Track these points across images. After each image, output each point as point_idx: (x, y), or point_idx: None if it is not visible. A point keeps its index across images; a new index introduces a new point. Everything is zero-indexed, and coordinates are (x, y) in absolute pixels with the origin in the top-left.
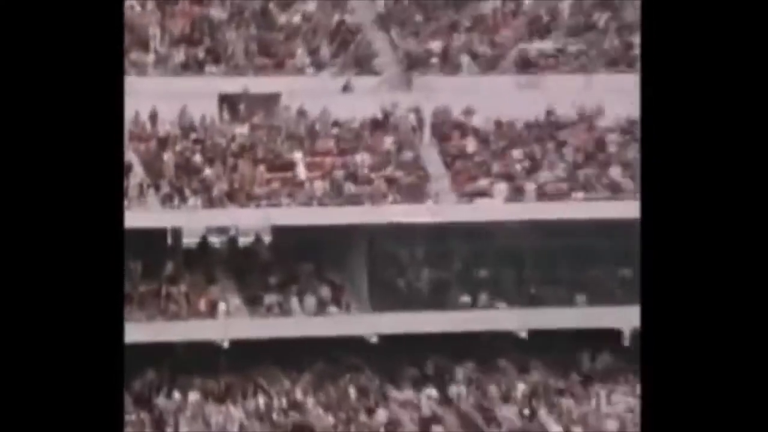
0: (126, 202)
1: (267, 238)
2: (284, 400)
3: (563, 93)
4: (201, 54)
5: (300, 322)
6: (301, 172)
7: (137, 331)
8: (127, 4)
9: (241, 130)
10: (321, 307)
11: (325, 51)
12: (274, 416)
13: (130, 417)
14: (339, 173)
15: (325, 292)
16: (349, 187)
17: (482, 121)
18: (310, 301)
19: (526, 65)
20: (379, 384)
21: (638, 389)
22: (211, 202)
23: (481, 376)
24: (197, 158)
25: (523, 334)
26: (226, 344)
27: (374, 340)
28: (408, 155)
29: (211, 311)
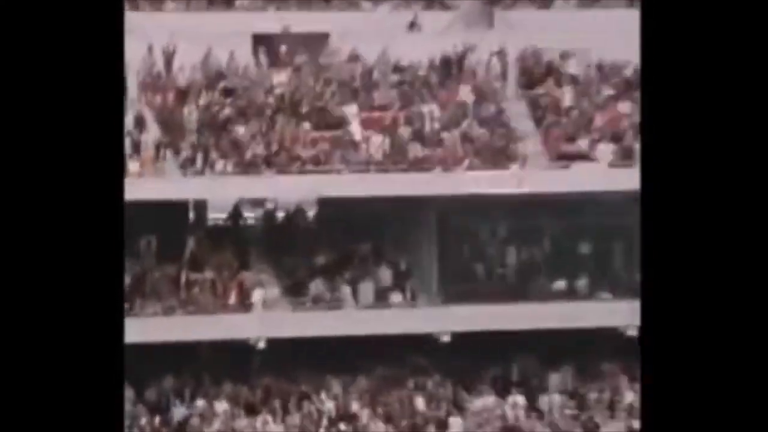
0: (136, 168)
1: (313, 212)
2: (334, 411)
3: None
4: None
5: (353, 316)
6: (356, 130)
7: (152, 328)
8: None
9: (281, 78)
10: (380, 298)
11: None
12: (322, 431)
13: (147, 429)
14: (402, 131)
15: (385, 278)
16: (415, 149)
17: (581, 67)
18: (367, 289)
19: None
20: (452, 391)
21: None
22: (243, 168)
23: (580, 382)
24: (226, 113)
25: (632, 332)
26: (262, 344)
27: (446, 338)
28: (489, 109)
29: (244, 303)
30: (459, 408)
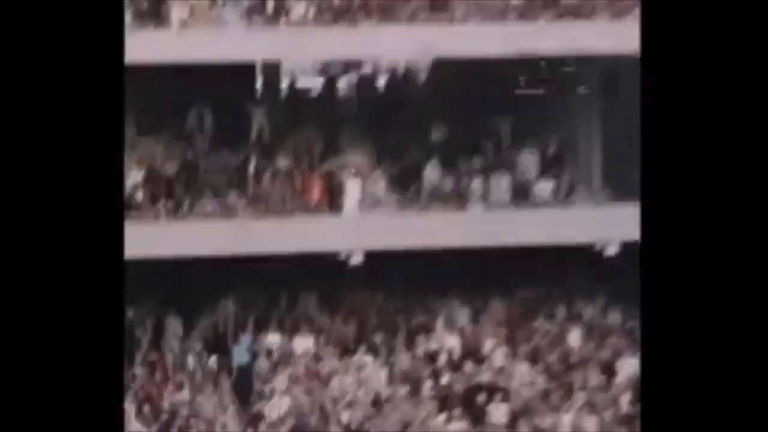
0: (184, 16)
1: (425, 77)
2: (457, 349)
3: None
4: None
5: (484, 219)
6: None
7: (206, 236)
8: None
9: None
10: (520, 194)
11: None
12: (440, 379)
13: (197, 374)
14: None
15: (528, 167)
16: None
17: None
18: (502, 183)
19: None
20: (621, 321)
21: None
22: (331, 17)
23: None
24: None
25: None
26: (357, 258)
27: (612, 249)
28: None
29: (332, 201)
30: (630, 345)
